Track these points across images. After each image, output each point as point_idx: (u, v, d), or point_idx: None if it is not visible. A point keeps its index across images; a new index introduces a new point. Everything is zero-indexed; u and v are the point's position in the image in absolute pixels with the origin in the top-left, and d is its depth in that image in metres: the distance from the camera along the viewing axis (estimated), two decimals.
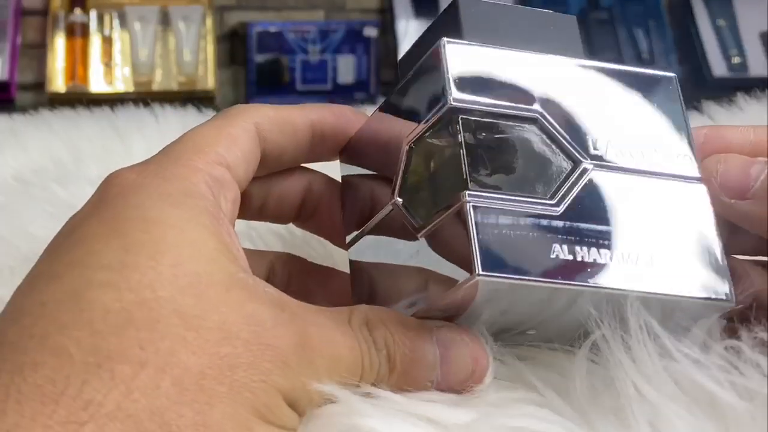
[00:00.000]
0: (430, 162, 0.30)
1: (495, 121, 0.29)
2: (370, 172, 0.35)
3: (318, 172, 0.37)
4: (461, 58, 0.30)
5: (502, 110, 0.29)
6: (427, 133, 0.30)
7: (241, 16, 1.11)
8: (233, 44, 1.10)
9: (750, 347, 0.29)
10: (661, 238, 0.29)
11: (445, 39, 0.30)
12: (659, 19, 1.03)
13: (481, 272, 0.27)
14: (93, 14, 1.04)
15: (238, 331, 0.27)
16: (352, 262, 0.35)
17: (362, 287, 0.35)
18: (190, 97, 0.97)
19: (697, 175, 0.31)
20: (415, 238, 0.30)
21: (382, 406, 0.28)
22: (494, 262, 0.27)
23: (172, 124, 0.66)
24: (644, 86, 0.32)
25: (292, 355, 0.28)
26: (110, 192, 0.30)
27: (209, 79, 1.05)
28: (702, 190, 0.31)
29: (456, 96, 0.29)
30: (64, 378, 0.25)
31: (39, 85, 1.01)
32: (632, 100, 0.31)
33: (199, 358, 0.26)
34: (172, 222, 0.29)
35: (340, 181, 0.37)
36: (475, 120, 0.29)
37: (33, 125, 0.70)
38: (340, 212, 0.37)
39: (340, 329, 0.29)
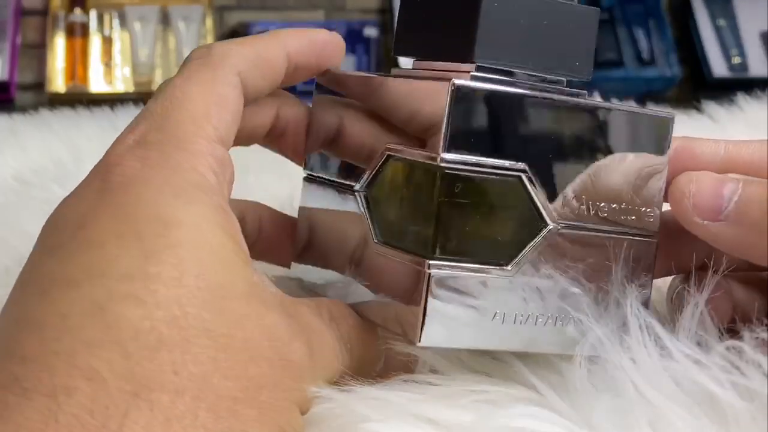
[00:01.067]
0: (404, 180, 0.30)
1: (477, 175, 0.29)
2: (343, 99, 0.35)
3: (288, 94, 0.37)
4: (465, 106, 0.29)
5: (487, 168, 0.29)
6: (409, 157, 0.30)
7: (241, 16, 1.11)
8: None
9: (751, 347, 0.28)
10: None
11: (455, 82, 0.28)
12: (659, 19, 1.03)
13: (421, 344, 0.28)
14: (93, 14, 1.03)
15: (262, 349, 0.27)
16: (300, 208, 0.36)
17: (303, 232, 0.36)
18: None
19: (655, 230, 0.31)
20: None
21: (382, 407, 0.28)
22: (435, 334, 0.28)
23: None
24: (637, 130, 0.32)
25: (306, 368, 0.28)
26: (113, 181, 0.29)
27: None
28: (652, 245, 0.31)
29: (446, 157, 0.28)
30: (102, 409, 0.24)
31: (39, 85, 1.01)
32: (620, 146, 0.31)
33: (230, 382, 0.26)
34: (188, 222, 0.28)
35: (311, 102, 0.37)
36: (457, 174, 0.28)
37: (33, 125, 0.70)
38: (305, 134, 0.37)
39: (327, 330, 0.30)
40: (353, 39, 1.11)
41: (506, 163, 0.29)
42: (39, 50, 1.02)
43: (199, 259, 0.27)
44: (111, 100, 0.86)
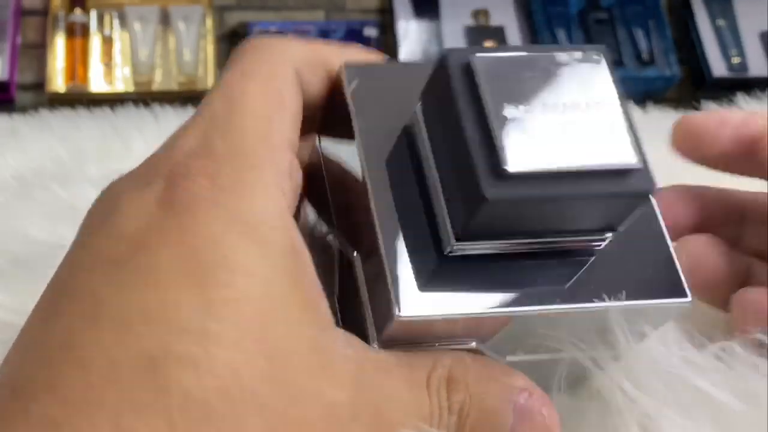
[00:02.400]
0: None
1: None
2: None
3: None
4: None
5: (441, 341, 0.28)
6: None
7: (241, 16, 1.11)
8: (233, 44, 1.10)
9: (746, 348, 0.28)
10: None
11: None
12: (659, 19, 1.03)
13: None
14: (93, 14, 1.04)
15: (315, 429, 0.25)
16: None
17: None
18: (190, 97, 0.97)
19: None
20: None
21: None
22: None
23: (172, 124, 0.65)
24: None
25: None
26: (179, 199, 0.26)
27: (209, 79, 1.05)
28: None
29: (404, 312, 0.27)
30: None
31: (39, 85, 1.01)
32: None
33: None
34: (257, 272, 0.25)
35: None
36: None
37: (33, 125, 0.70)
38: None
39: (415, 397, 0.28)
40: (353, 39, 1.12)
41: (461, 338, 0.28)
42: (39, 50, 1.02)
43: (264, 319, 0.25)
44: (111, 100, 0.86)
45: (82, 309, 0.25)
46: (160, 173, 0.27)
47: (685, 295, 0.28)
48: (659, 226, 0.30)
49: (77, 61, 1.00)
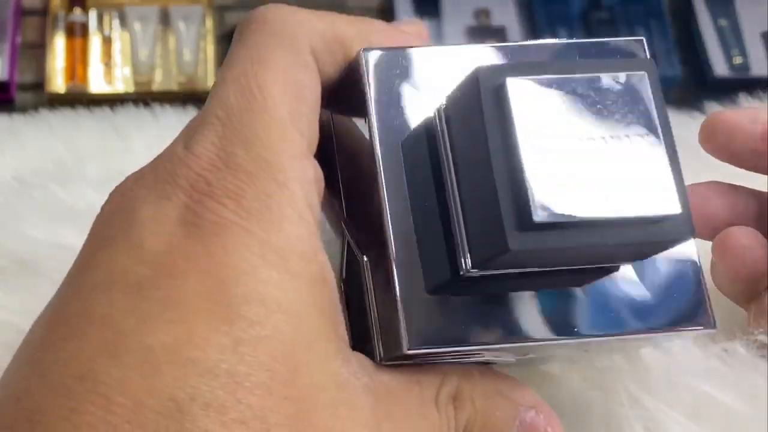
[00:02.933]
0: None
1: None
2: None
3: None
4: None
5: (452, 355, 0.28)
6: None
7: (241, 16, 1.10)
8: None
9: (748, 350, 0.28)
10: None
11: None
12: (661, 18, 1.02)
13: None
14: (93, 14, 1.03)
15: None
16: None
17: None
18: (190, 97, 0.97)
19: None
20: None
21: None
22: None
23: (172, 124, 0.65)
24: None
25: None
26: (204, 222, 0.25)
27: (209, 79, 1.04)
28: None
29: (412, 347, 0.27)
30: None
31: (39, 85, 1.01)
32: None
33: None
34: (288, 308, 0.24)
35: None
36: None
37: (33, 125, 0.70)
38: None
39: (425, 416, 0.27)
40: None
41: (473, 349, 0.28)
42: (39, 50, 1.02)
43: (294, 358, 0.24)
44: (111, 100, 0.86)
45: (102, 338, 0.23)
46: (179, 185, 0.25)
47: (712, 326, 0.27)
48: (692, 249, 0.28)
49: (77, 61, 1.00)
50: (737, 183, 0.37)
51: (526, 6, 1.01)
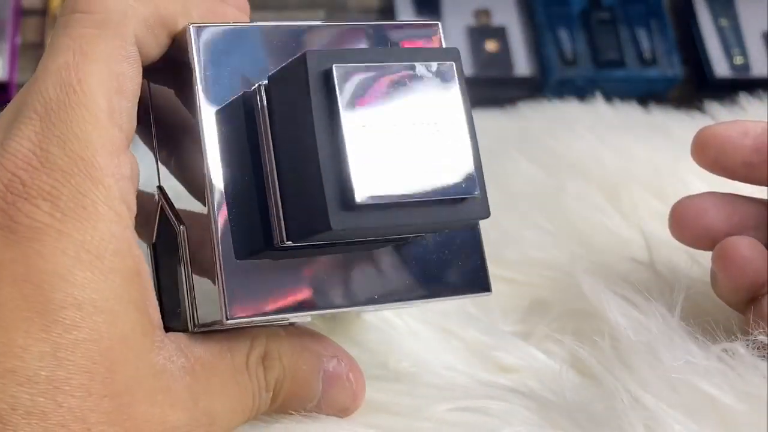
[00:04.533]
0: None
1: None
2: None
3: None
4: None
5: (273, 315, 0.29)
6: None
7: None
8: None
9: (749, 350, 0.28)
10: None
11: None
12: (661, 18, 1.02)
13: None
14: None
15: None
16: None
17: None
18: None
19: None
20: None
21: None
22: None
23: None
24: None
25: None
26: (21, 229, 0.25)
27: None
28: None
29: (231, 317, 0.28)
30: None
31: None
32: None
33: None
34: (104, 306, 0.25)
35: None
36: None
37: None
38: None
39: (238, 383, 0.28)
40: None
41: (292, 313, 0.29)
42: (39, 50, 1.02)
43: (112, 357, 0.25)
44: None
45: None
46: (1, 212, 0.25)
47: (489, 290, 0.31)
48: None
49: None
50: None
51: (527, 6, 1.01)
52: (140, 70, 0.29)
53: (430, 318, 0.41)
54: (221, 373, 0.28)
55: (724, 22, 1.04)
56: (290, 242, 0.28)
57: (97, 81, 0.27)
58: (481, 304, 0.45)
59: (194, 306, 0.29)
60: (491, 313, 0.44)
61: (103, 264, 0.26)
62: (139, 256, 0.27)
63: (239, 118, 0.29)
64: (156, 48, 0.30)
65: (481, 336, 0.40)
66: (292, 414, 0.30)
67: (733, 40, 1.03)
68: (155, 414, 0.26)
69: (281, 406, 0.30)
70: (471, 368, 0.37)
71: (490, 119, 0.78)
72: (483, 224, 0.30)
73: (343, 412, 0.31)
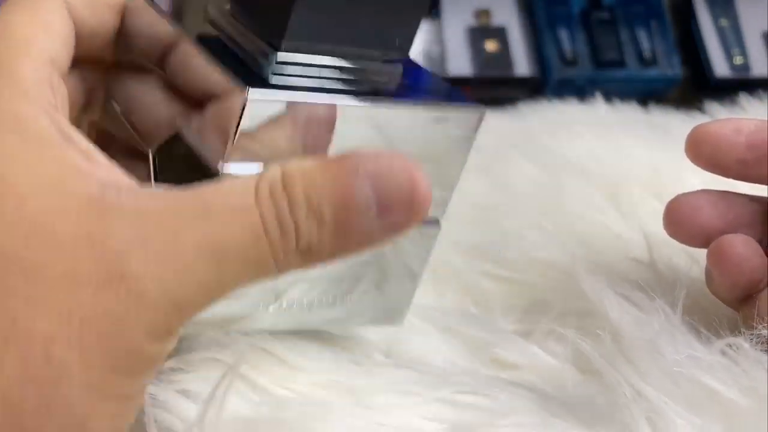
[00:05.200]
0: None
1: None
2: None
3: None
4: (255, 116, 0.29)
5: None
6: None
7: None
8: None
9: (752, 344, 0.28)
10: None
11: (248, 98, 0.29)
12: (661, 18, 1.02)
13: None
14: None
15: (89, 275, 0.24)
16: None
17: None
18: None
19: None
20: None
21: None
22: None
23: None
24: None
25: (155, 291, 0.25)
26: None
27: None
28: None
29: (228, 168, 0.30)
30: None
31: None
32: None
33: (45, 323, 0.23)
34: (34, 171, 0.26)
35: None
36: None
37: None
38: None
39: (234, 222, 0.25)
40: None
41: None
42: None
43: (24, 184, 0.25)
44: None
45: None
46: None
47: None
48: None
49: None
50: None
51: (527, 6, 1.01)
52: (71, 23, 0.31)
53: (431, 316, 0.41)
54: (224, 214, 0.25)
55: (724, 22, 1.04)
56: (279, 53, 0.30)
57: (19, 21, 0.30)
58: (482, 303, 0.44)
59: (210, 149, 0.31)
60: (492, 313, 0.44)
61: (26, 134, 0.27)
62: (63, 121, 0.28)
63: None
64: (95, 20, 0.32)
65: (481, 334, 0.40)
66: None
67: (733, 40, 1.03)
68: (82, 233, 0.24)
69: (336, 228, 0.25)
70: (472, 365, 0.37)
71: (490, 119, 0.78)
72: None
73: (409, 210, 0.26)
